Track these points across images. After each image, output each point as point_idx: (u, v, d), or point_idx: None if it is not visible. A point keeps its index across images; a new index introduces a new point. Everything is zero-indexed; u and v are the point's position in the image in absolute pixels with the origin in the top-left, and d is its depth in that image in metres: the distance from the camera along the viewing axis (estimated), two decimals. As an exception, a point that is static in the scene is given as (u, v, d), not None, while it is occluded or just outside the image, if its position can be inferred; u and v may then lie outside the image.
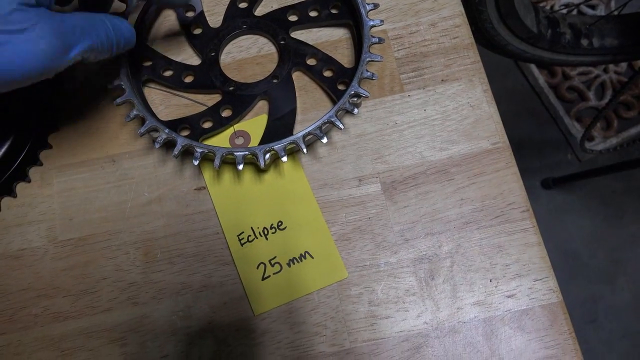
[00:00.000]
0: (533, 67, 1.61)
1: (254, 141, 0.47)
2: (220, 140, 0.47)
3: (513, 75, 1.64)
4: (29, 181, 0.47)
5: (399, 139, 0.47)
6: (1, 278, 0.45)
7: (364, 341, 0.42)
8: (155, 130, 0.43)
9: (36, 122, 0.48)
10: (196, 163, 0.42)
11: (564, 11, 0.85)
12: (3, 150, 0.47)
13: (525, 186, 0.45)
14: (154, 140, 0.43)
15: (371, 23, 0.46)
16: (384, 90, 0.49)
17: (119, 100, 0.44)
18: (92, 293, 0.44)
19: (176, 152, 0.42)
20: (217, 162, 0.42)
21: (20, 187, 0.47)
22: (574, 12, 1.30)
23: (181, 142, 0.42)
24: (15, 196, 0.47)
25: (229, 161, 0.44)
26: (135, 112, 0.43)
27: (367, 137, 0.47)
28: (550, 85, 1.60)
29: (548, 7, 1.62)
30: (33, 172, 0.47)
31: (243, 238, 0.45)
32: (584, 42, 0.83)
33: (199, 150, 0.42)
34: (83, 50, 0.35)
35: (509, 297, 0.42)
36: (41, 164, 0.48)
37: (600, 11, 1.62)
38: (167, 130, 0.43)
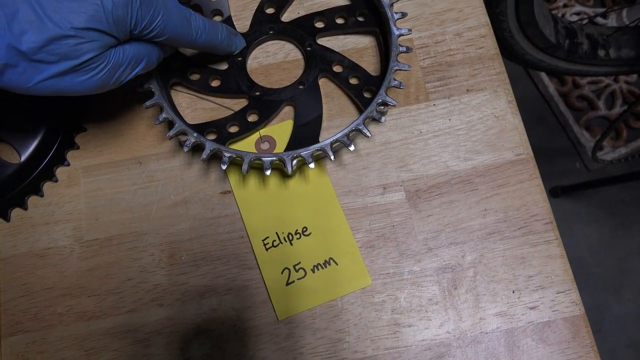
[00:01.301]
0: (543, 75, 1.61)
1: (280, 146, 0.47)
2: (246, 145, 0.48)
3: (523, 83, 1.64)
4: (56, 181, 0.48)
5: (423, 148, 0.47)
6: (27, 276, 0.45)
7: (387, 349, 0.42)
8: (184, 133, 0.43)
9: (64, 122, 0.48)
10: (224, 167, 0.42)
11: (584, 21, 0.85)
12: (31, 149, 0.47)
13: None
14: (181, 144, 0.44)
15: (399, 32, 0.46)
16: (409, 99, 0.49)
17: (148, 103, 0.44)
18: (116, 293, 0.45)
19: (205, 156, 0.43)
20: (245, 167, 0.42)
21: (48, 187, 0.47)
22: (585, 21, 1.30)
23: (210, 146, 0.43)
24: (42, 195, 0.47)
25: (255, 166, 0.45)
26: (164, 115, 0.43)
27: (392, 145, 0.48)
28: (560, 93, 1.60)
29: (560, 15, 1.62)
30: (60, 171, 0.48)
31: (268, 243, 0.45)
32: (601, 52, 0.83)
33: (227, 154, 0.42)
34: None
35: (531, 308, 0.43)
36: (68, 164, 0.48)
37: (612, 21, 1.62)
38: (195, 134, 0.43)
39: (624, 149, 1.53)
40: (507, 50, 0.78)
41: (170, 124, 0.44)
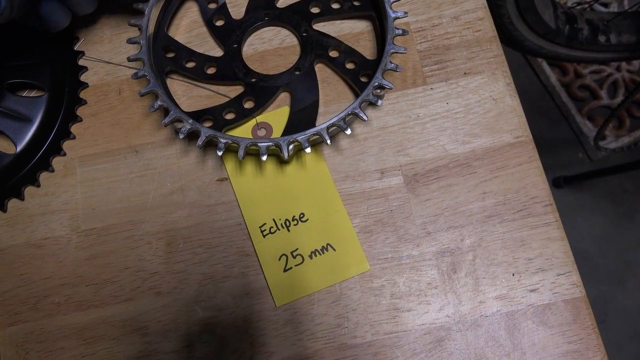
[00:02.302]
0: (545, 65, 1.60)
1: (276, 133, 0.47)
2: (243, 132, 0.47)
3: (524, 73, 1.63)
4: (53, 171, 0.47)
5: (421, 132, 0.47)
6: (25, 266, 0.45)
7: (386, 334, 0.42)
8: (179, 120, 0.43)
9: (59, 112, 0.48)
10: (220, 154, 0.42)
11: (584, 6, 0.84)
12: (27, 139, 0.47)
13: None
14: (177, 131, 0.43)
15: (395, 15, 0.46)
16: (406, 83, 0.49)
17: (143, 90, 0.44)
18: (114, 282, 0.44)
19: (200, 143, 0.42)
20: (241, 152, 0.42)
21: (44, 177, 0.47)
22: (587, 9, 1.29)
23: (205, 132, 0.42)
24: (39, 185, 0.47)
25: (252, 152, 0.44)
26: (159, 103, 0.43)
27: (389, 129, 0.47)
28: (562, 83, 1.59)
29: (562, 2, 1.61)
30: (56, 162, 0.48)
31: (265, 230, 0.45)
32: (602, 38, 0.82)
33: (223, 140, 0.42)
34: None
35: (531, 291, 0.42)
36: (64, 154, 0.48)
37: (613, 9, 1.61)
38: (190, 121, 0.43)
39: (627, 138, 1.52)
40: (507, 37, 0.77)
41: (165, 112, 0.44)
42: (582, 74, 1.59)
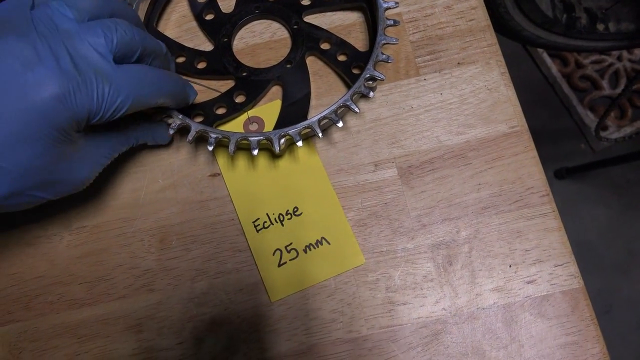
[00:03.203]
0: (545, 57, 1.59)
1: (268, 127, 0.47)
2: (234, 126, 0.47)
3: (525, 64, 1.62)
4: (43, 169, 0.47)
5: (415, 123, 0.46)
6: (17, 266, 0.45)
7: (382, 328, 0.42)
8: (169, 116, 0.43)
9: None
10: (211, 149, 0.42)
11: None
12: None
13: None
14: (167, 126, 0.43)
15: (386, 5, 0.45)
16: (399, 74, 0.48)
17: None
18: (107, 280, 0.44)
19: (190, 138, 0.42)
20: (231, 147, 0.41)
21: (35, 175, 0.47)
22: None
23: (195, 127, 0.42)
24: (29, 184, 0.46)
25: (243, 147, 0.44)
26: None
27: (382, 121, 0.47)
28: (563, 74, 1.58)
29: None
30: (47, 159, 0.47)
31: (259, 224, 0.44)
32: (600, 26, 0.81)
33: (214, 135, 0.42)
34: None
35: (529, 282, 0.42)
36: (55, 152, 0.47)
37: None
38: (180, 116, 0.42)
39: (629, 128, 1.51)
40: (504, 27, 0.77)
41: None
42: (583, 65, 1.58)
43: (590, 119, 1.53)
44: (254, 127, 0.47)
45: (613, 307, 1.39)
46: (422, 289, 0.42)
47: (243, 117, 0.47)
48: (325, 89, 0.48)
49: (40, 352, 0.43)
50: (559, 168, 1.48)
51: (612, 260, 1.45)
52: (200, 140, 0.46)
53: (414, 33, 0.49)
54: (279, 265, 0.44)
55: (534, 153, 0.45)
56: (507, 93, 0.47)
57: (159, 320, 0.43)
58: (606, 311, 1.38)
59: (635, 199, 1.49)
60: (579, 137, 1.55)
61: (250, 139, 0.41)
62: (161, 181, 0.46)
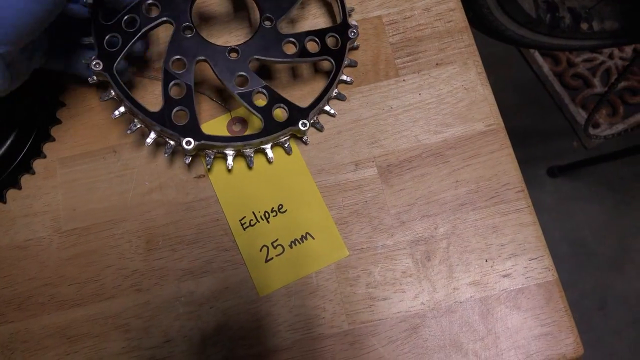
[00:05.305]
0: (537, 56, 1.60)
1: (251, 127, 0.48)
2: (218, 127, 0.48)
3: (517, 64, 1.63)
4: (33, 173, 0.48)
5: (394, 123, 0.48)
6: (9, 268, 0.46)
7: (362, 322, 0.43)
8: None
9: (39, 115, 0.49)
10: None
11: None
12: (8, 143, 0.48)
13: (531, 175, 0.46)
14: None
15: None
16: (379, 76, 0.49)
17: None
18: (96, 281, 0.45)
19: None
20: (208, 161, 0.43)
21: (25, 179, 0.48)
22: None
23: (155, 133, 0.44)
24: (20, 188, 0.48)
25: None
26: (111, 93, 0.44)
27: (362, 122, 0.48)
28: (555, 73, 1.59)
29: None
30: (37, 164, 0.48)
31: (245, 222, 0.46)
32: (584, 25, 0.83)
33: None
34: None
35: (504, 276, 0.43)
36: (45, 156, 0.49)
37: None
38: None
39: (621, 125, 1.52)
40: (487, 27, 0.78)
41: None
42: (575, 63, 1.59)
43: (582, 117, 1.54)
44: (237, 127, 0.48)
45: (607, 303, 1.40)
46: (401, 284, 0.43)
47: (226, 118, 0.48)
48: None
49: (31, 352, 0.44)
50: (552, 166, 1.49)
51: (606, 257, 1.46)
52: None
53: (393, 35, 0.50)
54: (266, 260, 0.45)
55: (510, 150, 0.46)
56: (483, 92, 0.48)
57: (147, 319, 0.44)
58: (600, 307, 1.39)
59: (628, 195, 1.50)
60: (571, 135, 1.56)
61: (226, 151, 0.44)
62: (148, 183, 0.47)
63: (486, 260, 0.43)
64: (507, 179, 0.45)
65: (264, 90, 0.44)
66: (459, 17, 0.51)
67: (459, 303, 0.42)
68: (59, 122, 0.50)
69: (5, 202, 0.48)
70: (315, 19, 0.52)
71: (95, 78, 0.44)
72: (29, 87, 0.46)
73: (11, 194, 0.48)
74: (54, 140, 0.49)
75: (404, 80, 0.49)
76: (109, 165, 0.48)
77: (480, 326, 0.42)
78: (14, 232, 0.47)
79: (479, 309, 0.42)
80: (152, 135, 0.44)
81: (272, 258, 0.45)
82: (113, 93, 0.44)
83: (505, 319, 0.42)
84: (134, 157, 0.48)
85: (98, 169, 0.48)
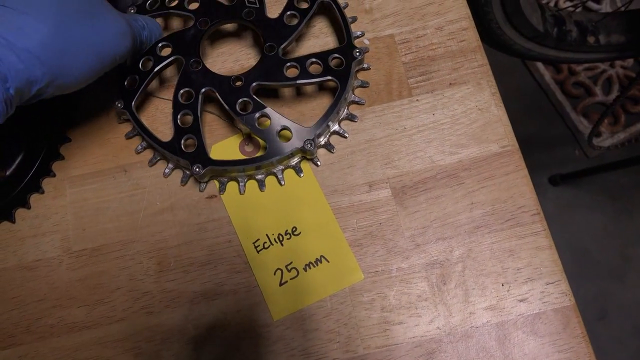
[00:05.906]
0: (539, 64, 1.60)
1: (263, 148, 0.47)
2: (230, 148, 0.48)
3: (519, 72, 1.63)
4: (43, 192, 0.48)
5: (408, 144, 0.47)
6: (17, 289, 0.45)
7: (377, 347, 0.42)
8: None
9: (48, 134, 0.48)
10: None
11: (570, 8, 0.84)
12: (17, 162, 0.47)
13: (532, 183, 0.46)
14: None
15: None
16: (392, 95, 0.49)
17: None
18: (106, 303, 0.45)
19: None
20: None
21: (34, 199, 0.47)
22: (579, 8, 1.29)
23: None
24: (29, 207, 0.47)
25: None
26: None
27: (376, 142, 0.47)
28: (557, 81, 1.59)
29: (553, 4, 1.61)
30: (46, 183, 0.48)
31: (259, 245, 0.45)
32: (591, 39, 0.83)
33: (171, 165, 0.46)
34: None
35: (521, 301, 0.42)
36: (54, 175, 0.48)
37: (606, 6, 1.61)
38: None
39: (623, 134, 1.52)
40: (495, 41, 0.78)
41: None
42: (576, 71, 1.59)
43: (583, 125, 1.54)
44: (249, 148, 0.48)
45: (609, 313, 1.40)
46: (416, 309, 0.43)
47: (238, 138, 0.48)
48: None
49: (40, 375, 0.43)
50: (554, 174, 1.49)
51: (607, 266, 1.46)
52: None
53: (406, 54, 0.50)
54: (280, 284, 0.44)
55: (525, 172, 0.46)
56: (498, 113, 0.48)
57: (158, 342, 0.43)
58: (601, 317, 1.39)
59: (630, 204, 1.51)
60: (573, 144, 1.56)
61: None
62: (159, 203, 0.47)
63: (502, 285, 0.43)
64: (523, 202, 0.45)
65: (267, 113, 0.46)
66: (472, 37, 0.51)
67: (476, 328, 0.42)
68: (68, 140, 0.49)
69: (14, 222, 0.47)
70: (326, 38, 0.52)
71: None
72: (39, 105, 0.46)
73: (20, 213, 0.47)
74: (63, 158, 0.49)
75: (417, 100, 0.49)
76: (119, 184, 0.48)
77: (497, 352, 0.41)
78: (22, 253, 0.46)
79: (495, 334, 0.42)
80: (170, 165, 0.46)
81: (286, 281, 0.44)
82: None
83: (522, 345, 0.41)
84: (144, 177, 0.48)
85: (108, 188, 0.48)
